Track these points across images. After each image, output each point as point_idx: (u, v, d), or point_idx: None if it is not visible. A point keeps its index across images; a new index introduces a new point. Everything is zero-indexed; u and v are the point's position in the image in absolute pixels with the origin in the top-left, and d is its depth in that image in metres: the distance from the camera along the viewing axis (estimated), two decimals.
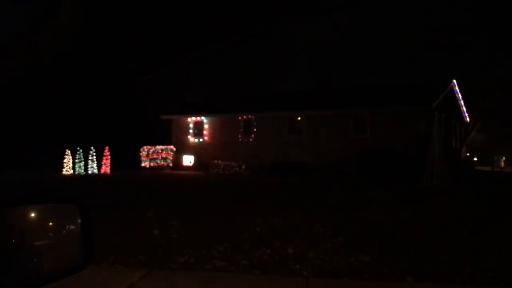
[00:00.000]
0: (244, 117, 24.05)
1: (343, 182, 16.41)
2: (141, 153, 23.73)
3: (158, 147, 23.77)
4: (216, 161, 21.20)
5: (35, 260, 0.91)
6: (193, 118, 25.51)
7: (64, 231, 1.01)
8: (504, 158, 36.16)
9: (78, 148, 20.84)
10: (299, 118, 22.98)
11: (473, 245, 5.91)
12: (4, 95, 0.73)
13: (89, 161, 21.10)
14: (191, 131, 25.54)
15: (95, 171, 20.96)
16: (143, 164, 23.46)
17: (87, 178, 17.68)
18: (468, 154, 28.88)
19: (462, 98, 26.41)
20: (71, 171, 20.40)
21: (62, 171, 20.08)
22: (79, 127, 17.87)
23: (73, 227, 1.01)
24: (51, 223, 0.98)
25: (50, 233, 0.97)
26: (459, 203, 10.35)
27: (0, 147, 0.78)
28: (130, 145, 23.95)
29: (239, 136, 24.08)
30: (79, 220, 0.99)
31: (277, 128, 23.22)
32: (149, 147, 23.69)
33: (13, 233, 0.89)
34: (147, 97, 26.35)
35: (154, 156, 23.64)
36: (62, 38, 0.71)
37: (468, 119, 28.39)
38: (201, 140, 25.17)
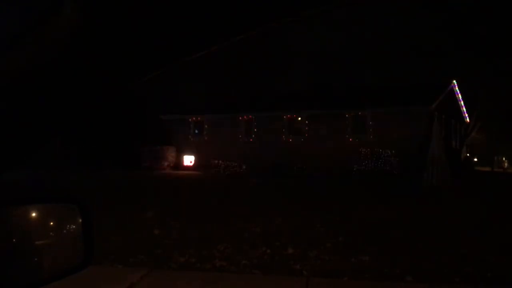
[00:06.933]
0: (245, 117, 24.05)
1: (344, 182, 16.41)
2: (142, 153, 23.72)
3: (159, 147, 23.76)
4: (216, 161, 21.21)
5: (35, 260, 0.91)
6: (194, 118, 25.52)
7: (64, 231, 1.01)
8: (504, 158, 36.16)
9: (79, 148, 20.87)
10: (299, 118, 22.99)
11: (473, 245, 5.91)
12: (5, 95, 0.74)
13: (90, 161, 21.12)
14: (191, 131, 25.55)
15: (96, 170, 20.97)
16: (143, 164, 23.46)
17: (88, 177, 17.67)
18: (468, 154, 28.88)
19: (462, 98, 26.43)
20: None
21: (63, 170, 20.09)
22: (79, 127, 17.88)
23: (73, 226, 1.01)
24: (51, 223, 0.98)
25: (51, 233, 0.97)
26: (459, 204, 10.35)
27: (3, 147, 0.78)
28: (131, 144, 23.98)
29: (240, 136, 24.09)
30: (80, 220, 0.99)
31: (277, 128, 23.24)
32: (149, 147, 23.68)
33: (13, 233, 0.89)
34: (148, 97, 26.37)
35: (155, 156, 23.63)
36: (63, 39, 0.71)
37: (468, 119, 28.39)
38: (201, 140, 25.18)
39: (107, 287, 4.22)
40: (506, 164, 35.79)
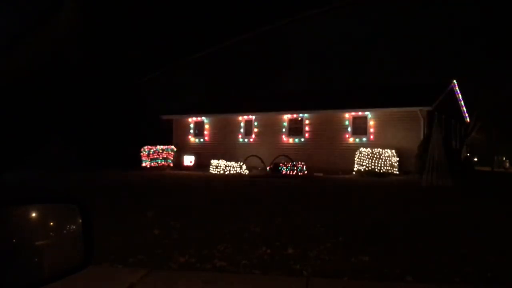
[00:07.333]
0: (245, 117, 24.07)
1: (343, 182, 16.42)
2: (142, 153, 23.73)
3: (159, 147, 23.78)
4: (216, 161, 21.20)
5: (35, 260, 0.91)
6: (194, 118, 25.54)
7: (64, 231, 1.01)
8: (504, 158, 36.16)
9: (79, 148, 20.86)
10: (299, 119, 22.99)
11: (473, 245, 5.91)
12: (5, 95, 0.74)
13: (90, 161, 21.11)
14: (191, 131, 25.57)
15: (96, 170, 20.97)
16: (144, 164, 23.48)
17: (87, 177, 17.68)
18: (468, 154, 28.88)
19: (462, 98, 26.44)
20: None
21: (63, 170, 20.09)
22: (79, 127, 17.88)
23: (73, 226, 1.01)
24: (51, 223, 0.98)
25: (51, 233, 0.97)
26: (459, 203, 10.34)
27: (3, 148, 0.78)
28: (131, 144, 23.99)
29: (240, 136, 24.11)
30: (80, 220, 0.99)
31: (277, 128, 23.25)
32: (150, 147, 23.70)
33: (13, 233, 0.89)
34: (148, 97, 26.38)
35: (155, 156, 23.64)
36: (63, 39, 0.71)
37: (468, 119, 28.41)
38: (201, 140, 25.20)
39: (107, 287, 4.22)
40: (507, 164, 35.76)
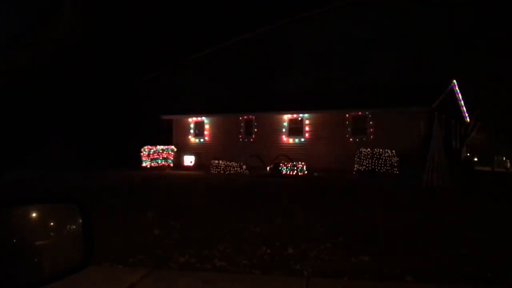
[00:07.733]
0: (245, 117, 24.07)
1: (343, 182, 16.41)
2: (142, 153, 23.72)
3: (159, 147, 23.77)
4: (217, 161, 21.20)
5: (35, 260, 0.91)
6: (194, 118, 25.55)
7: (64, 231, 1.01)
8: (504, 158, 36.17)
9: (79, 148, 20.86)
10: (299, 119, 22.99)
11: (473, 245, 5.91)
12: (5, 95, 0.74)
13: (90, 161, 21.11)
14: (192, 131, 25.57)
15: (96, 170, 20.97)
16: (144, 164, 23.47)
17: (88, 177, 17.69)
18: (468, 154, 28.90)
19: (462, 98, 26.45)
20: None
21: (63, 170, 20.09)
22: (79, 127, 17.88)
23: (73, 226, 1.01)
24: (51, 223, 0.98)
25: (51, 233, 0.97)
26: (459, 204, 10.35)
27: (3, 148, 0.78)
28: (131, 145, 23.98)
29: (240, 136, 24.10)
30: (80, 220, 0.99)
31: (277, 128, 23.25)
32: (150, 147, 23.69)
33: (13, 233, 0.89)
34: (148, 97, 26.37)
35: (155, 156, 23.63)
36: (63, 39, 0.71)
37: (468, 119, 28.41)
38: (202, 140, 25.19)
39: (107, 287, 4.22)
40: (508, 164, 35.76)
